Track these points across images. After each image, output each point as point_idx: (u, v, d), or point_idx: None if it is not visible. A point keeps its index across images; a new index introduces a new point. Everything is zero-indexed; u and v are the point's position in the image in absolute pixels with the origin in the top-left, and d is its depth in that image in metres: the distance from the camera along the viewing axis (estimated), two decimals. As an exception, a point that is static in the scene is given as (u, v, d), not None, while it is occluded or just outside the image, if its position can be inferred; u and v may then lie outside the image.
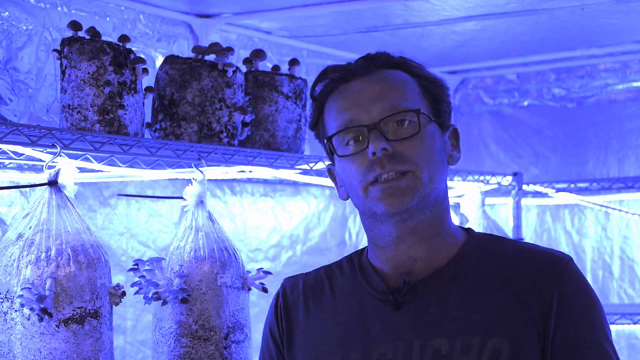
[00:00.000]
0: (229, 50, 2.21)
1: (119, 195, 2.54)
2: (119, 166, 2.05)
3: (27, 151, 1.87)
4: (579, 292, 1.56)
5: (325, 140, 1.64)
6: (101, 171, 2.12)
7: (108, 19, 2.52)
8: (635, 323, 3.00)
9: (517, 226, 3.13)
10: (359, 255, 1.71)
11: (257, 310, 2.87)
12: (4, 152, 1.87)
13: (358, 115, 1.58)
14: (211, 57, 2.20)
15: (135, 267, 1.98)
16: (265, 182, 3.00)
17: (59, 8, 2.40)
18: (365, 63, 1.63)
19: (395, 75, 1.62)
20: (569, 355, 1.52)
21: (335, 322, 1.64)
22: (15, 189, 2.25)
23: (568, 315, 1.54)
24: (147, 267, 1.97)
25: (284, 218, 3.13)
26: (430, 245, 1.61)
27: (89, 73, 1.97)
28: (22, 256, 1.78)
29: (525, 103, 3.67)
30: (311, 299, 1.70)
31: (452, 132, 1.67)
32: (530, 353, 1.52)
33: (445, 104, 1.65)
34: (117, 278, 2.45)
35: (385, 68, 1.63)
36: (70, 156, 1.90)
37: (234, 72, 2.20)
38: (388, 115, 1.57)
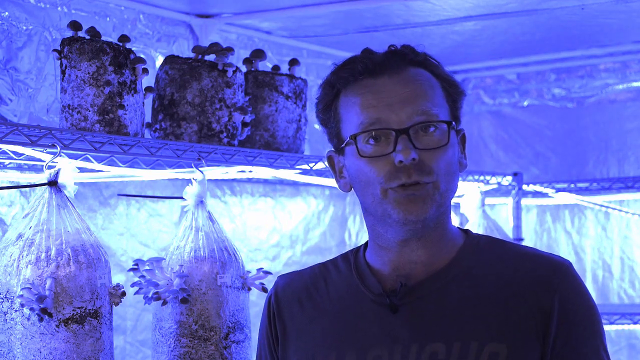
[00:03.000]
0: (229, 50, 2.21)
1: (119, 195, 2.54)
2: (119, 166, 2.04)
3: (27, 151, 1.87)
4: (578, 298, 1.56)
5: (347, 137, 1.58)
6: (101, 171, 2.12)
7: (108, 19, 2.52)
8: (635, 323, 3.00)
9: (517, 226, 3.13)
10: (355, 254, 1.69)
11: (257, 310, 2.85)
12: (4, 152, 1.87)
13: (387, 117, 1.54)
14: (211, 57, 2.20)
15: (135, 267, 1.98)
16: (265, 182, 3.00)
17: (59, 8, 2.40)
18: (393, 59, 1.58)
19: (423, 77, 1.58)
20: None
21: (331, 322, 1.62)
22: (15, 189, 2.25)
23: (568, 321, 1.53)
24: (147, 267, 1.97)
25: (284, 218, 3.13)
26: (432, 250, 1.60)
27: (89, 73, 1.97)
28: (22, 256, 1.78)
29: (525, 103, 3.67)
30: (306, 298, 1.67)
31: (462, 138, 1.65)
32: (529, 358, 1.52)
33: (461, 109, 1.64)
34: (117, 278, 2.45)
35: (411, 66, 1.59)
36: (70, 156, 1.90)
37: (234, 72, 2.20)
38: (419, 122, 1.53)
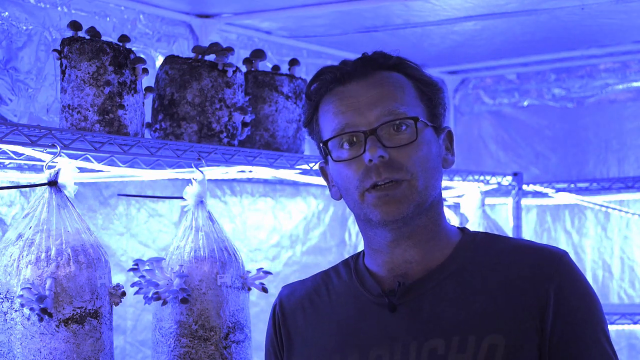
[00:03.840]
0: (229, 50, 2.21)
1: (119, 195, 2.54)
2: (119, 166, 2.04)
3: (27, 151, 1.87)
4: (575, 287, 1.56)
5: (320, 144, 1.64)
6: (101, 171, 2.12)
7: (108, 19, 2.52)
8: (635, 323, 3.00)
9: (517, 226, 3.13)
10: (355, 259, 1.71)
11: (257, 310, 2.87)
12: (4, 152, 1.87)
13: (355, 120, 1.57)
14: (211, 57, 2.20)
15: (135, 267, 1.98)
16: (265, 182, 3.00)
17: (59, 8, 2.40)
18: (362, 65, 1.62)
19: (392, 79, 1.61)
20: (568, 350, 1.52)
21: (332, 326, 1.64)
22: (15, 189, 2.25)
23: (565, 309, 1.53)
24: (147, 267, 1.97)
25: (284, 218, 3.13)
26: (425, 248, 1.61)
27: (89, 73, 1.97)
28: (22, 256, 1.78)
29: (525, 103, 3.67)
30: (309, 306, 1.70)
31: (447, 135, 1.66)
32: (527, 348, 1.52)
33: (440, 106, 1.64)
34: (117, 278, 2.45)
35: (382, 70, 1.62)
36: (70, 156, 1.90)
37: (234, 72, 2.20)
38: (385, 122, 1.56)
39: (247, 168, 2.35)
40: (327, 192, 3.27)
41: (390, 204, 1.55)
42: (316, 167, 2.37)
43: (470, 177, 2.94)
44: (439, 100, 1.64)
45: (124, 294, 1.88)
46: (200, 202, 2.06)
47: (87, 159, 1.99)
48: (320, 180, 2.52)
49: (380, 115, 1.56)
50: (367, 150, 1.54)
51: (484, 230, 2.91)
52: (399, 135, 1.56)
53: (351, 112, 1.58)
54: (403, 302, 1.59)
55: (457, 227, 1.69)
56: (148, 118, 2.24)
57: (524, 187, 3.17)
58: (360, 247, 3.36)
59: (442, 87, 1.66)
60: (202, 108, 2.16)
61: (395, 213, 1.55)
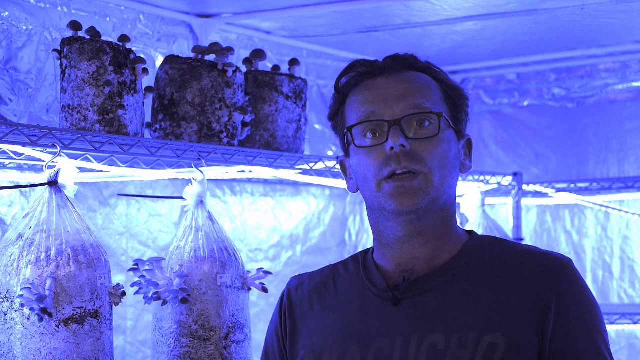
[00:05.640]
0: (229, 50, 2.21)
1: (119, 195, 2.54)
2: (119, 166, 2.04)
3: (27, 151, 1.87)
4: (578, 294, 1.58)
5: (345, 131, 1.67)
6: (101, 171, 2.12)
7: (108, 19, 2.52)
8: (635, 323, 3.00)
9: (517, 226, 3.12)
10: (364, 254, 1.75)
11: (257, 310, 2.87)
12: (4, 152, 1.87)
13: (381, 110, 1.62)
14: (211, 57, 2.20)
15: (135, 267, 1.98)
16: (265, 182, 3.00)
17: (59, 8, 2.40)
18: (393, 62, 1.67)
19: (420, 77, 1.66)
20: (568, 355, 1.54)
21: (337, 318, 1.67)
22: (15, 189, 2.25)
23: (567, 317, 1.55)
24: (147, 267, 1.97)
25: (284, 218, 3.13)
26: (434, 247, 1.64)
27: (89, 73, 1.97)
28: (22, 256, 1.78)
29: (525, 103, 3.67)
30: (316, 297, 1.73)
31: (467, 142, 1.70)
32: (527, 350, 1.54)
33: (463, 112, 1.69)
34: (117, 278, 2.45)
35: (411, 69, 1.67)
36: (70, 156, 1.90)
37: (234, 72, 2.20)
38: (411, 114, 1.60)
39: (247, 168, 2.35)
40: (327, 192, 3.28)
41: (405, 194, 1.58)
42: (316, 167, 2.38)
43: (470, 177, 2.94)
44: (462, 106, 1.69)
45: (124, 294, 1.88)
46: (200, 202, 2.06)
47: (87, 159, 1.99)
48: (320, 180, 2.53)
49: (405, 107, 1.61)
50: (390, 138, 1.58)
51: (483, 231, 2.93)
52: (422, 129, 1.61)
53: (378, 102, 1.63)
54: (407, 297, 1.62)
55: (465, 230, 1.72)
56: (148, 118, 2.24)
57: (524, 187, 3.17)
58: (361, 247, 3.36)
59: (466, 94, 1.71)
60: (202, 108, 2.16)
61: (410, 204, 1.58)
